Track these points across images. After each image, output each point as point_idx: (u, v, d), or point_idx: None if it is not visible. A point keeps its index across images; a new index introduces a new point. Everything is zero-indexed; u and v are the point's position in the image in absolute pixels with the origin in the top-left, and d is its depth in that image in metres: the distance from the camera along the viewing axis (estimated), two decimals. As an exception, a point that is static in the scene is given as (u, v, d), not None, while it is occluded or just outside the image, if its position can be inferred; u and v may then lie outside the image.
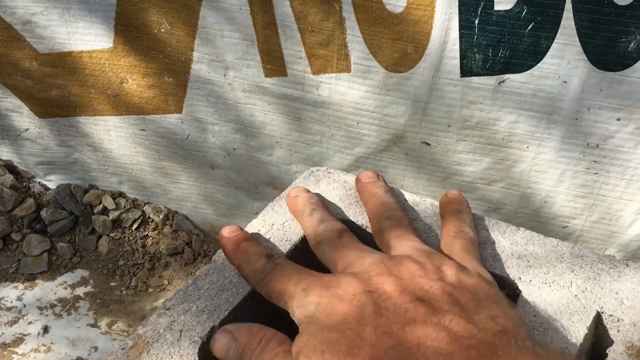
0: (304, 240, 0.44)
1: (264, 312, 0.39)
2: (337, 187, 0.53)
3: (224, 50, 1.08)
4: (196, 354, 0.34)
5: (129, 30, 1.09)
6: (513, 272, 0.42)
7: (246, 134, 1.20)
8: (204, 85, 1.14)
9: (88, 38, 1.13)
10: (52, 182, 1.43)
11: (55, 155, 1.37)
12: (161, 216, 1.39)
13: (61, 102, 1.24)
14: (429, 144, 1.11)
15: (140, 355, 0.34)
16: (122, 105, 1.22)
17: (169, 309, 0.37)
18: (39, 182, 1.43)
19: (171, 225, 1.38)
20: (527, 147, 1.06)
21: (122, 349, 0.34)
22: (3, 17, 1.12)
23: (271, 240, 0.44)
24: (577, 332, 0.36)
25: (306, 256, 0.43)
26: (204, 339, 0.35)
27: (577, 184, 1.07)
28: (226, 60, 1.10)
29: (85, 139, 1.31)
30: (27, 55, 1.17)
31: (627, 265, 0.42)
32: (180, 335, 0.35)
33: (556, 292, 0.39)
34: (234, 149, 1.23)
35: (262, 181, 1.27)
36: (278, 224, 0.46)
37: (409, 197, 0.50)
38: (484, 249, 0.44)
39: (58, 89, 1.22)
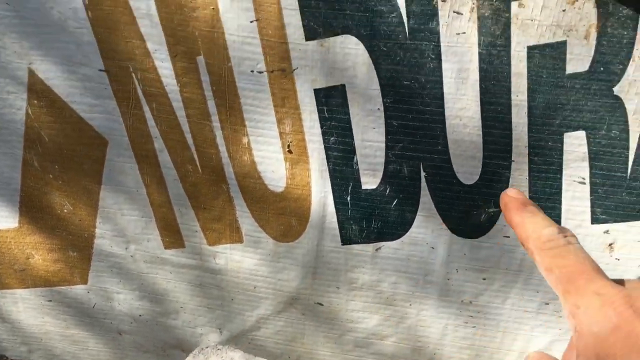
0: None
1: None
2: None
3: (124, 226, 1.15)
4: None
5: (34, 211, 1.16)
6: None
7: (151, 301, 1.25)
8: (107, 258, 1.20)
9: (-6, 218, 1.18)
10: (-42, 353, 1.41)
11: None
12: (70, 384, 1.37)
13: (-33, 277, 1.27)
14: (322, 305, 1.18)
15: None
16: (29, 279, 1.25)
17: None
18: (-56, 355, 1.41)
19: (80, 393, 1.37)
20: (410, 304, 1.14)
21: None
22: None
23: None
24: None
25: None
26: None
27: (459, 336, 1.15)
28: (127, 235, 1.16)
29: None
30: None
31: None
32: None
33: None
34: (140, 315, 1.27)
35: (169, 344, 1.30)
36: None
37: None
38: None
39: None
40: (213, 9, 0.91)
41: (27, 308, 1.30)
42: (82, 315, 1.29)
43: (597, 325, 0.30)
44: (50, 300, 1.28)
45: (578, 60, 0.85)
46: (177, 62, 0.97)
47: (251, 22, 0.91)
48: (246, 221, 1.11)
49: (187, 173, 1.08)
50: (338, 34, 0.91)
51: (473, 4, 0.84)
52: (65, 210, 1.15)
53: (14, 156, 1.10)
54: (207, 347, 0.73)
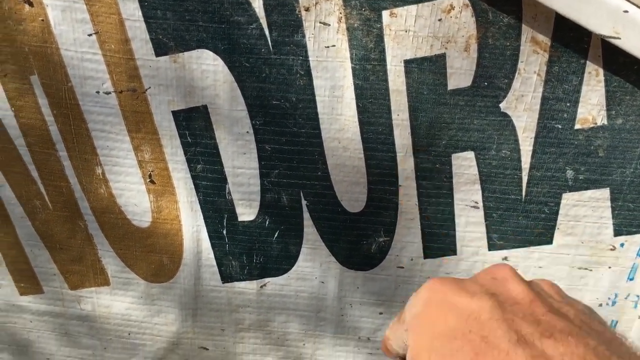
0: None
1: None
2: None
3: (-31, 272, 0.99)
4: None
5: None
6: None
7: (12, 353, 1.08)
8: (-47, 308, 1.03)
9: None
10: None
11: None
12: None
13: None
14: (207, 349, 1.05)
15: None
16: None
17: None
18: None
19: None
20: (304, 344, 1.02)
21: None
22: None
23: None
24: None
25: None
26: None
27: (360, 376, 1.04)
28: (-27, 282, 1.00)
29: None
30: None
31: None
32: None
33: None
34: (1, 370, 1.10)
35: (38, 400, 1.14)
36: None
37: None
38: None
39: None
40: (42, 20, 0.77)
41: None
42: None
43: None
44: None
45: (460, 75, 0.76)
46: (7, 82, 0.82)
47: (89, 35, 0.78)
48: (111, 261, 0.97)
49: (35, 209, 0.92)
50: (192, 49, 0.78)
51: (340, 13, 0.73)
52: None
53: None
54: None
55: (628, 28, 0.65)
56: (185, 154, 0.87)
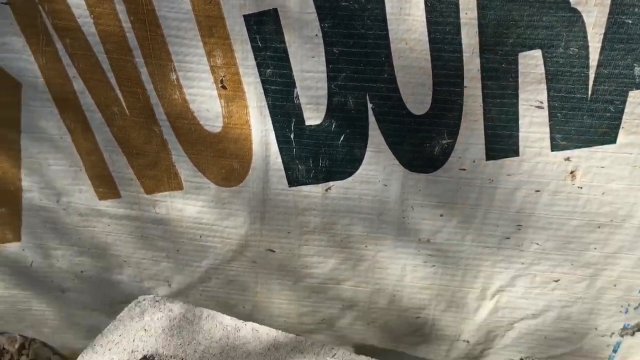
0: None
1: None
2: (161, 317, 0.54)
3: (52, 177, 1.06)
4: None
5: (-50, 166, 1.05)
6: None
7: (91, 256, 1.17)
8: (38, 212, 1.11)
9: None
10: None
11: None
12: (17, 346, 1.31)
13: None
14: (273, 251, 1.11)
15: None
16: (-43, 239, 1.16)
17: None
18: None
19: (27, 355, 1.31)
20: (366, 246, 1.07)
21: None
22: None
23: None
24: None
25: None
26: None
27: (419, 276, 1.09)
28: (56, 187, 1.07)
29: None
30: None
31: None
32: None
33: None
34: (82, 272, 1.19)
35: (116, 300, 1.23)
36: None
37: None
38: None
39: None
40: None
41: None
42: (20, 274, 1.21)
43: None
44: (-17, 260, 1.19)
45: (532, -32, 0.76)
46: (86, -11, 0.86)
47: (165, -62, 0.80)
48: (184, 166, 1.02)
49: (113, 116, 0.98)
50: (265, -51, 0.80)
51: None
52: (-15, 164, 1.05)
53: None
54: (144, 300, 0.66)
55: None
56: (256, 58, 0.90)
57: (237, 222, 1.08)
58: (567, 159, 0.91)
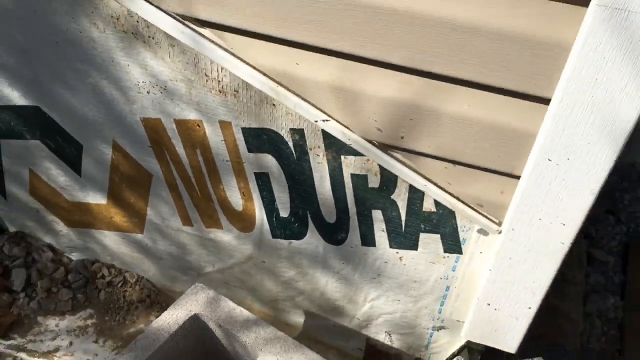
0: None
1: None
2: (203, 296, 1.68)
3: (164, 212, 2.20)
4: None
5: (114, 198, 2.21)
6: None
7: (177, 247, 2.33)
8: (154, 225, 2.26)
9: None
10: (74, 257, 2.56)
11: (76, 244, 2.50)
12: (134, 279, 2.52)
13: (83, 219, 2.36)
14: (264, 262, 2.23)
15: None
16: (112, 227, 2.34)
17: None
18: (67, 257, 2.56)
19: (140, 285, 2.52)
20: (308, 269, 2.18)
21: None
22: None
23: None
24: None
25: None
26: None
27: (334, 286, 2.19)
28: (164, 217, 2.21)
29: (95, 240, 2.43)
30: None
31: None
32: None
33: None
34: (171, 253, 2.35)
35: (187, 269, 2.39)
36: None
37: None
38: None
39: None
40: None
41: (109, 239, 2.41)
42: (141, 249, 2.38)
43: None
44: (123, 238, 2.37)
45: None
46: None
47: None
48: (224, 221, 2.13)
49: (192, 197, 2.09)
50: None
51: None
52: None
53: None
54: (197, 285, 1.80)
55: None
56: (258, 187, 1.97)
57: (247, 247, 2.19)
58: (397, 252, 1.96)
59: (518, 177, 1.53)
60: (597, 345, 2.48)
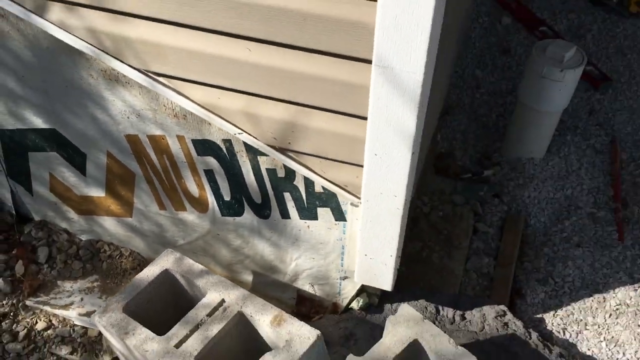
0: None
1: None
2: (173, 257, 2.58)
3: (145, 200, 3.08)
4: (120, 309, 2.35)
5: (110, 192, 3.10)
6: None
7: (156, 226, 3.21)
8: (140, 209, 3.15)
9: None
10: (83, 238, 3.45)
11: (84, 228, 3.38)
12: (128, 253, 3.40)
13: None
14: (219, 234, 3.11)
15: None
16: (110, 212, 3.22)
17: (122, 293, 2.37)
18: (78, 238, 3.45)
19: (132, 257, 3.40)
20: (248, 237, 3.06)
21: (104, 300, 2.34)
22: None
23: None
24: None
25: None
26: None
27: (268, 250, 3.06)
28: (144, 203, 3.10)
29: (98, 224, 3.32)
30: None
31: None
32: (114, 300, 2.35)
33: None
34: (153, 232, 3.23)
35: (166, 242, 3.27)
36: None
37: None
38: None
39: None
40: None
41: (108, 223, 3.29)
42: (131, 229, 3.26)
43: None
44: (118, 222, 3.25)
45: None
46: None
47: (179, 150, 2.75)
48: (188, 205, 3.00)
49: (163, 187, 2.97)
50: None
51: (244, 157, 2.64)
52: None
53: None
54: (168, 250, 2.69)
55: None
56: (209, 183, 2.84)
57: (205, 224, 3.06)
58: (305, 222, 2.82)
59: (362, 167, 2.39)
60: (472, 292, 3.33)
